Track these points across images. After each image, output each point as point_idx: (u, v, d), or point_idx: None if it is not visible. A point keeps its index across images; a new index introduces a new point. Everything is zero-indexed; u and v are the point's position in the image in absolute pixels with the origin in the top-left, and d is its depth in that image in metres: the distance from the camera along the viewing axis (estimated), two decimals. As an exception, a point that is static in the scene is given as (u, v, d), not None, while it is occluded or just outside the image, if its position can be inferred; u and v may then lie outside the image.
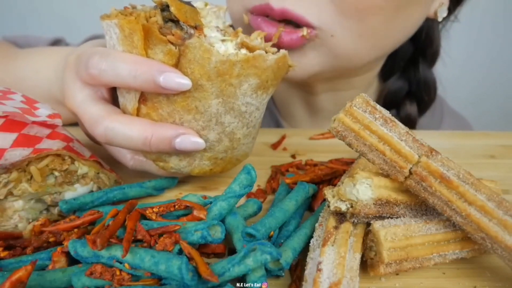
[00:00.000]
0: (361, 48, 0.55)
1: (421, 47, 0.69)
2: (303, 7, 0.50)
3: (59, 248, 0.33)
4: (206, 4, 0.42)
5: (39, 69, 0.51)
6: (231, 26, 0.43)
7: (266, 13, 0.51)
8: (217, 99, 0.37)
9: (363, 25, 0.51)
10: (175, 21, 0.37)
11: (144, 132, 0.37)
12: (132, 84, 0.35)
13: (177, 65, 0.36)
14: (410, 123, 0.71)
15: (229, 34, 0.41)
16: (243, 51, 0.39)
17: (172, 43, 0.35)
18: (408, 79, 0.72)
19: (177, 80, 0.35)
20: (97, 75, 0.36)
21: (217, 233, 0.33)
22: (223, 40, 0.39)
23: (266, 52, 0.38)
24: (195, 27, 0.36)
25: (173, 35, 0.35)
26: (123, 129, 0.37)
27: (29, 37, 0.77)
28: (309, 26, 0.51)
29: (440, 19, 0.60)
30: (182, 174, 0.44)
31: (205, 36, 0.36)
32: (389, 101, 0.72)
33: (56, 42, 0.79)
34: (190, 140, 0.38)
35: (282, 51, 0.39)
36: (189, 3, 0.37)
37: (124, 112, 0.40)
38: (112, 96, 0.42)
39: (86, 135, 0.44)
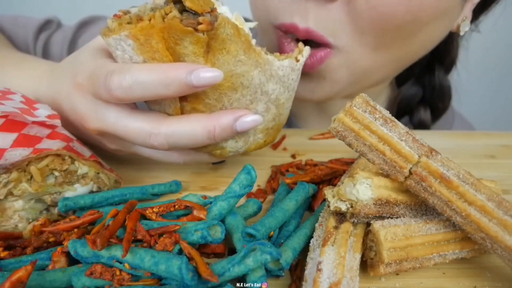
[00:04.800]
0: (379, 64, 0.55)
1: (438, 54, 0.68)
2: (323, 27, 0.50)
3: (59, 248, 0.33)
4: None
5: (16, 86, 0.49)
6: None
7: (291, 32, 0.52)
8: (256, 69, 0.37)
9: (381, 41, 0.51)
10: (189, 10, 0.36)
11: (206, 126, 0.37)
12: (165, 94, 0.34)
13: (208, 50, 0.35)
14: (423, 129, 0.71)
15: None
16: None
17: (198, 31, 0.34)
18: (423, 85, 0.71)
19: (209, 75, 0.34)
20: (124, 95, 0.35)
21: (217, 233, 0.33)
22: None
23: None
24: (211, 10, 0.35)
25: (198, 24, 0.34)
26: (185, 130, 0.37)
27: (18, 18, 0.74)
28: (328, 46, 0.51)
29: (462, 33, 0.59)
30: (238, 154, 0.45)
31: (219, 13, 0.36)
32: (403, 106, 0.72)
33: (47, 23, 0.75)
34: (249, 118, 0.39)
35: None
36: None
37: None
38: None
39: (113, 151, 0.44)
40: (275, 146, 0.56)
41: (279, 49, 0.54)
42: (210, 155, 0.44)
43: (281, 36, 0.53)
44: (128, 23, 0.35)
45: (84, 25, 0.76)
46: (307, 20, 0.50)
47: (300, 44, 0.43)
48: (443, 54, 0.69)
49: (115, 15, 0.37)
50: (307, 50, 0.43)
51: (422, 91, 0.71)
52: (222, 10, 0.39)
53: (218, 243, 0.33)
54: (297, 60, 0.41)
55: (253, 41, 0.39)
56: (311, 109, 0.73)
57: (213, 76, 0.34)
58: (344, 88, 0.57)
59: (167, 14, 0.34)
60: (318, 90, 0.56)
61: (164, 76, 0.34)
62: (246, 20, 0.43)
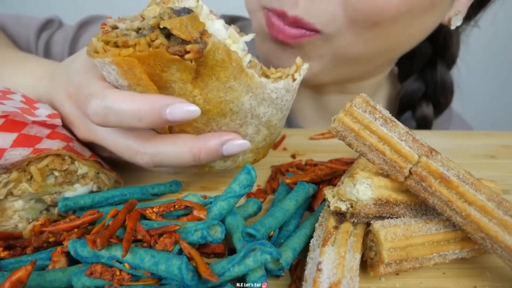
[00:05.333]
0: (370, 53, 0.55)
1: (439, 49, 0.69)
2: (315, 16, 0.51)
3: (59, 248, 0.33)
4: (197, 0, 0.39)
5: (16, 86, 0.49)
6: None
7: (280, 17, 0.53)
8: (247, 94, 0.36)
9: (374, 33, 0.52)
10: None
11: (192, 149, 0.37)
12: (139, 126, 0.34)
13: (197, 77, 0.34)
14: (426, 124, 0.71)
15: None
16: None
17: (186, 59, 0.32)
18: (425, 81, 0.72)
19: (185, 109, 0.33)
20: (100, 121, 0.34)
21: (217, 233, 0.33)
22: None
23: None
24: (201, 34, 0.33)
25: (185, 52, 0.32)
26: (170, 151, 0.37)
27: (21, 18, 0.74)
28: (317, 32, 0.52)
29: (453, 27, 0.59)
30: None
31: (210, 35, 0.34)
32: (406, 102, 0.72)
33: (48, 23, 0.75)
34: (236, 144, 0.38)
35: None
36: (184, 10, 0.34)
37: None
38: None
39: (107, 158, 0.44)
40: (275, 146, 0.56)
41: (268, 30, 0.55)
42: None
43: (270, 16, 0.54)
44: (115, 42, 0.34)
45: (85, 25, 0.76)
46: (296, 9, 0.51)
47: (298, 60, 0.41)
48: (444, 49, 0.69)
49: (103, 25, 0.35)
50: (305, 68, 0.41)
51: (424, 86, 0.71)
52: (215, 27, 0.37)
53: (218, 243, 0.33)
54: (294, 79, 0.40)
55: (248, 56, 0.38)
56: (309, 105, 0.73)
57: (189, 110, 0.34)
58: (328, 69, 0.57)
59: (153, 41, 0.33)
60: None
61: (138, 109, 0.33)
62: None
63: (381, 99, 0.75)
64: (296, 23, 0.51)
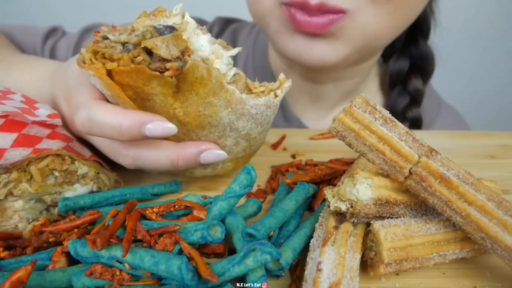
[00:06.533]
0: (389, 26, 0.58)
1: (416, 25, 0.72)
2: None
3: (59, 248, 0.33)
4: (183, 16, 0.39)
5: (23, 86, 0.52)
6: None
7: (303, 7, 0.53)
8: (226, 109, 0.37)
9: (391, 4, 0.54)
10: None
11: (170, 156, 0.39)
12: (120, 139, 0.36)
13: (178, 91, 0.36)
14: (419, 95, 0.75)
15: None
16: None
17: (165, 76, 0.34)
18: (409, 56, 0.76)
19: (164, 126, 0.36)
20: (85, 131, 0.37)
21: (217, 233, 0.33)
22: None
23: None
24: (182, 52, 0.35)
25: (165, 69, 0.34)
26: (150, 156, 0.39)
27: (27, 27, 0.78)
28: (343, 12, 0.53)
29: None
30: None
31: (192, 52, 0.36)
32: (394, 79, 0.77)
33: (53, 31, 0.80)
34: (213, 154, 0.40)
35: None
36: (167, 29, 0.36)
37: None
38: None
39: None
40: (275, 146, 0.57)
41: (293, 24, 0.55)
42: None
43: (294, 14, 0.54)
44: (103, 54, 0.35)
45: (87, 32, 0.80)
46: None
47: (281, 77, 0.42)
48: (420, 22, 0.73)
49: (96, 33, 0.37)
50: (287, 86, 0.41)
51: (408, 62, 0.76)
52: (200, 42, 0.38)
53: (218, 243, 0.33)
54: (276, 96, 0.40)
55: (233, 70, 0.39)
56: (304, 94, 0.75)
57: (167, 127, 0.36)
58: (356, 51, 0.59)
59: (135, 57, 0.34)
60: (330, 52, 0.57)
61: (119, 124, 0.35)
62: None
63: (374, 77, 0.79)
64: (321, 8, 0.52)
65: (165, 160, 0.39)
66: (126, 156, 0.40)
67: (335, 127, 0.35)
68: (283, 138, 0.58)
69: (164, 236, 0.32)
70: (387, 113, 0.35)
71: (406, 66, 0.76)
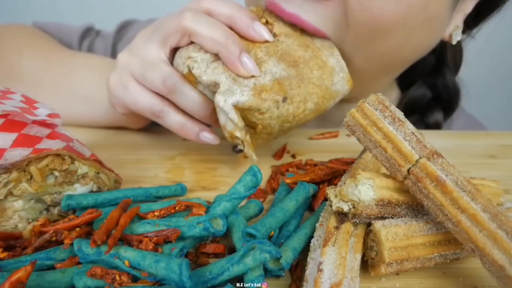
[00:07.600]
0: (369, 70, 0.54)
1: (444, 58, 0.70)
2: (316, 16, 0.48)
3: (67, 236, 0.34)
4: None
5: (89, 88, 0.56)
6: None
7: (276, 12, 0.50)
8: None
9: (374, 48, 0.50)
10: None
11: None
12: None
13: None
14: (437, 128, 0.72)
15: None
16: None
17: None
18: (432, 87, 0.72)
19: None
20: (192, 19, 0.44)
21: (219, 226, 0.33)
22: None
23: None
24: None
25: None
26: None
27: (61, 25, 0.77)
28: (318, 33, 0.49)
29: (454, 42, 0.58)
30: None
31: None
32: (410, 106, 0.72)
33: (88, 31, 0.79)
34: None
35: None
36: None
37: None
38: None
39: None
40: (278, 157, 0.55)
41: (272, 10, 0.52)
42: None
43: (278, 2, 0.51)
44: None
45: (121, 30, 0.80)
46: (295, 8, 0.48)
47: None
48: (447, 58, 0.70)
49: None
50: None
51: (430, 92, 0.72)
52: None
53: (220, 235, 0.34)
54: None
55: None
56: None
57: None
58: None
59: None
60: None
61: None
62: None
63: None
64: (292, 19, 0.49)
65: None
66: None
67: (347, 121, 0.38)
68: (284, 148, 0.57)
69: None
70: (399, 113, 0.36)
71: (427, 96, 0.72)
